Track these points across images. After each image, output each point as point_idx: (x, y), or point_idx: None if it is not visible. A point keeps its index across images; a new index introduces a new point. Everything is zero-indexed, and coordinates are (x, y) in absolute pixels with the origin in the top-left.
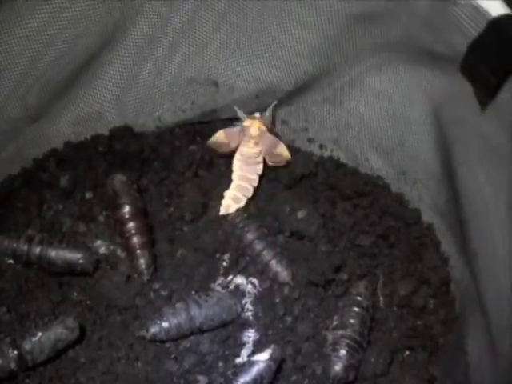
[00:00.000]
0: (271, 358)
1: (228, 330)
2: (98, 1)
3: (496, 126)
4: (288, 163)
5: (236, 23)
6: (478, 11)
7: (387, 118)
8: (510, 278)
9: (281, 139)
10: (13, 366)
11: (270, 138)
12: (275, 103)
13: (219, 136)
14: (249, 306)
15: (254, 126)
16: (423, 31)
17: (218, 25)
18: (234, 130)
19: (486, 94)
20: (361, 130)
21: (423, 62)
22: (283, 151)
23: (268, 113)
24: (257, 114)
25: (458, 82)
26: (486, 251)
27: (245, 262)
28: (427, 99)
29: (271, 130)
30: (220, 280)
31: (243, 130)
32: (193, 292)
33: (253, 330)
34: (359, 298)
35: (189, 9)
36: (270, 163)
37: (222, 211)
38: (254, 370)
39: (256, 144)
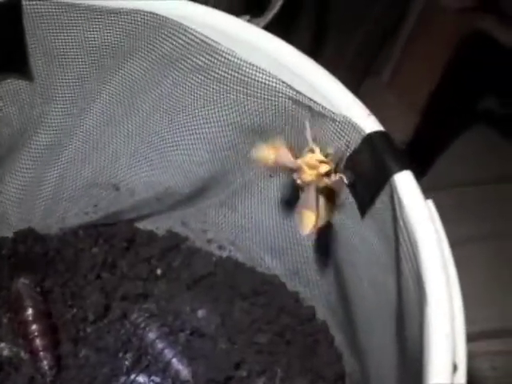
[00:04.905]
0: None
1: None
2: None
3: (374, 232)
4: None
5: (132, 131)
6: (355, 128)
7: (279, 223)
8: (394, 380)
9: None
10: None
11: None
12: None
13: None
14: None
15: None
16: (303, 143)
17: (116, 133)
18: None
19: (364, 203)
20: (255, 232)
21: None
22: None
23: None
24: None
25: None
26: (372, 349)
27: (147, 361)
28: None
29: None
30: (123, 379)
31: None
32: None
33: None
34: None
35: (90, 118)
36: None
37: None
38: None
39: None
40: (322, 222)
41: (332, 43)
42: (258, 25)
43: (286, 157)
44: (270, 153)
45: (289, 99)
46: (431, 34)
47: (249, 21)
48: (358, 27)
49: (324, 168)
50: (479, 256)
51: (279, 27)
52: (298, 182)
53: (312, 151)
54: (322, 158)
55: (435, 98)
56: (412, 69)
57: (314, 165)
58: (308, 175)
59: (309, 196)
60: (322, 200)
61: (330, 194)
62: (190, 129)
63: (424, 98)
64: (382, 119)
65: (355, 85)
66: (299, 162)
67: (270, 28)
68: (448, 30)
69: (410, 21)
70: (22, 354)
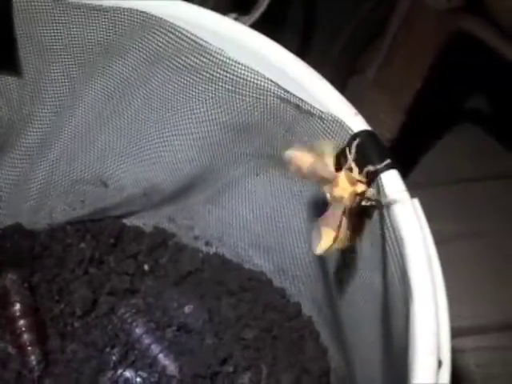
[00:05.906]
0: None
1: None
2: None
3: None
4: None
5: (121, 128)
6: (342, 127)
7: (265, 220)
8: (379, 375)
9: None
10: None
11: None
12: None
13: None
14: None
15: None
16: (290, 141)
17: (105, 130)
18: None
19: None
20: (242, 229)
21: None
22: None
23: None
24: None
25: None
26: (357, 345)
27: (134, 356)
28: (300, 204)
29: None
30: (110, 374)
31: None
32: None
33: None
34: None
35: (78, 115)
36: None
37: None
38: None
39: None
40: (339, 245)
41: (318, 41)
42: (245, 23)
43: (323, 166)
44: (307, 158)
45: (277, 98)
46: (417, 33)
47: (236, 19)
48: (345, 25)
49: (360, 187)
50: (465, 253)
51: (266, 25)
52: (328, 196)
53: (350, 170)
54: (360, 178)
55: (421, 96)
56: (398, 67)
57: (353, 181)
58: (342, 190)
59: (335, 213)
60: (346, 222)
61: (358, 217)
62: (179, 127)
63: (410, 96)
64: (367, 117)
65: (341, 83)
66: (338, 174)
67: (256, 26)
68: (434, 30)
69: (396, 19)
70: (10, 349)
